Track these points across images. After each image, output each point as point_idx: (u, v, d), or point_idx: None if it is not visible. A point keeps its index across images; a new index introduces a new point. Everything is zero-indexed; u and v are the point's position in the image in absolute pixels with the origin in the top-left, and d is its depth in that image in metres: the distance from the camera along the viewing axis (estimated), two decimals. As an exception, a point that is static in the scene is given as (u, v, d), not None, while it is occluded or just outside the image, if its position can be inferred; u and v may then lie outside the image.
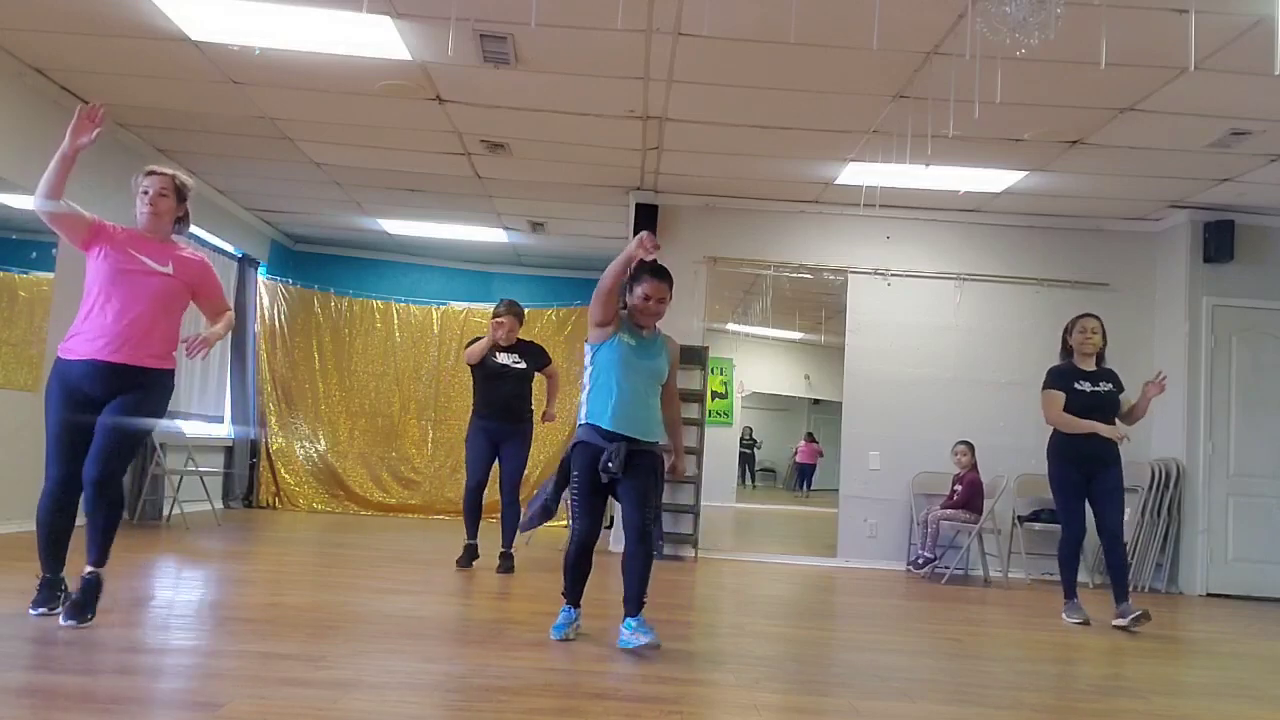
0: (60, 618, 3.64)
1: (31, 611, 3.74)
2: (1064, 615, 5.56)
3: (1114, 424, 5.52)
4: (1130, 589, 5.58)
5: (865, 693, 3.51)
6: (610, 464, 3.90)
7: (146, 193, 3.81)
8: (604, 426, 3.96)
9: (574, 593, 4.10)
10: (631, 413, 3.98)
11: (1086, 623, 5.42)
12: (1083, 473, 5.50)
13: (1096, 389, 5.49)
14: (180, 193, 3.89)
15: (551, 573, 6.30)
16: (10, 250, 6.37)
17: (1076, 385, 5.51)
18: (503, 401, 6.15)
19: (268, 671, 3.18)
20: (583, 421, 4.07)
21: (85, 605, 3.66)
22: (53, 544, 3.77)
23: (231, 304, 4.35)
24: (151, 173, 3.86)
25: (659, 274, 4.04)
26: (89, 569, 3.72)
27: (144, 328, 3.72)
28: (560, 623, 4.08)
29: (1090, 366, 5.58)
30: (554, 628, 4.08)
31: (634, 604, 3.93)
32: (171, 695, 2.98)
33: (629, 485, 3.97)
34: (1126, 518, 7.35)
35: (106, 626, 3.70)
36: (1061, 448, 5.57)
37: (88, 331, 3.69)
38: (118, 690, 2.90)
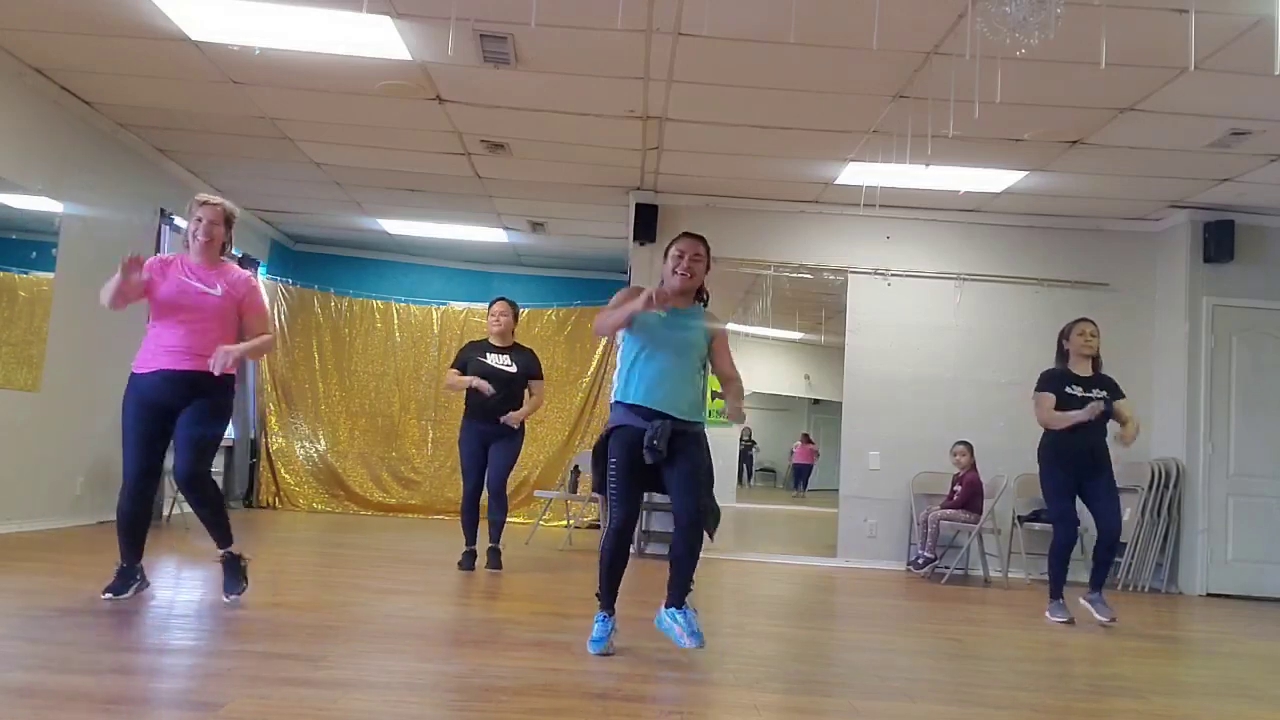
0: (224, 594, 4.23)
1: (103, 595, 4.06)
2: (1048, 614, 5.56)
3: (1104, 429, 5.49)
4: (1103, 585, 5.52)
5: (865, 693, 3.51)
6: (656, 441, 3.60)
7: (201, 220, 4.21)
8: (635, 402, 3.72)
9: (610, 596, 3.76)
10: (665, 388, 3.72)
11: (1070, 622, 5.42)
12: (1073, 475, 5.49)
13: (1089, 395, 5.45)
14: (228, 221, 4.29)
15: (550, 572, 6.32)
16: (10, 250, 6.36)
17: (1068, 389, 5.49)
18: (491, 406, 6.05)
19: (268, 671, 3.18)
20: (614, 400, 3.82)
21: (234, 580, 4.25)
22: (129, 535, 4.15)
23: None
24: (205, 203, 4.26)
25: (692, 234, 3.93)
26: (220, 552, 4.25)
27: (205, 340, 4.13)
28: (598, 635, 3.72)
29: (1086, 371, 5.57)
30: (591, 642, 3.72)
31: (679, 594, 3.70)
32: (171, 695, 2.98)
33: (676, 471, 3.68)
34: (1126, 517, 7.38)
35: (107, 626, 3.71)
36: (1052, 450, 5.56)
37: (154, 347, 4.15)
38: (118, 690, 2.89)
